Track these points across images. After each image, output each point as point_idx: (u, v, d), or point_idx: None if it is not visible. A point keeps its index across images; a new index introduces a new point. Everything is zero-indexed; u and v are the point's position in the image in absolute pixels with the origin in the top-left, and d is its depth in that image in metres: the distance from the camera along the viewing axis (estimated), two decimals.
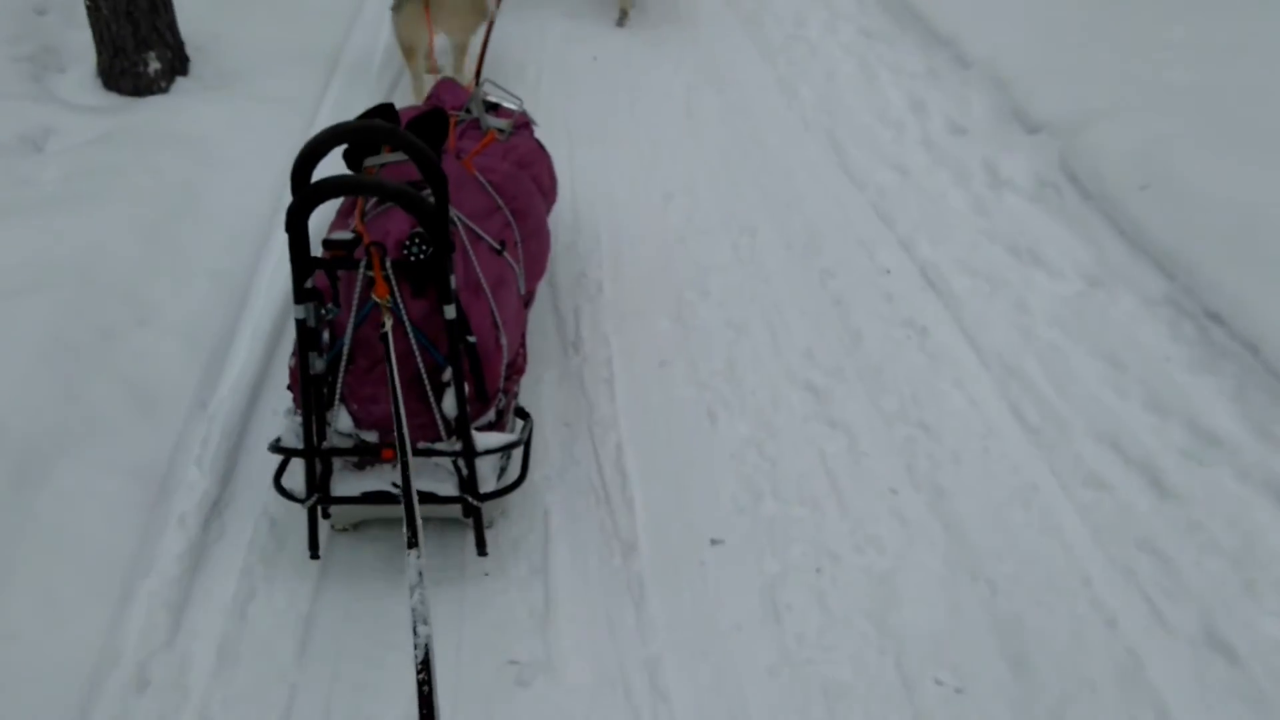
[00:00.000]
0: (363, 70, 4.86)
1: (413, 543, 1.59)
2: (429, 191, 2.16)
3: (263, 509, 2.57)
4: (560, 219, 3.82)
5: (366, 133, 2.36)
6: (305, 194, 2.03)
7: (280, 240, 3.45)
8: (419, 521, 1.63)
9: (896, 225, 3.75)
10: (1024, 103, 4.26)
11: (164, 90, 4.29)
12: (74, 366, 2.70)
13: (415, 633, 1.47)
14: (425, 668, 1.43)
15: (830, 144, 4.42)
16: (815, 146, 4.42)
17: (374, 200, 2.41)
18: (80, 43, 4.44)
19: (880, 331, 3.17)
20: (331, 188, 2.04)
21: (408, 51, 4.48)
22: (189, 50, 4.49)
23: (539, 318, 3.22)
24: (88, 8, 4.18)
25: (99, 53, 4.28)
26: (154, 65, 4.23)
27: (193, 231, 3.32)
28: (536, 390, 2.96)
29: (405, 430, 1.81)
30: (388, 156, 2.41)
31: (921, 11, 5.32)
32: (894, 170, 4.17)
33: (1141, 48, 4.43)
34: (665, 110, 4.76)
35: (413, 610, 1.50)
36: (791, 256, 3.60)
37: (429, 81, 4.45)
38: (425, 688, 1.41)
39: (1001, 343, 3.05)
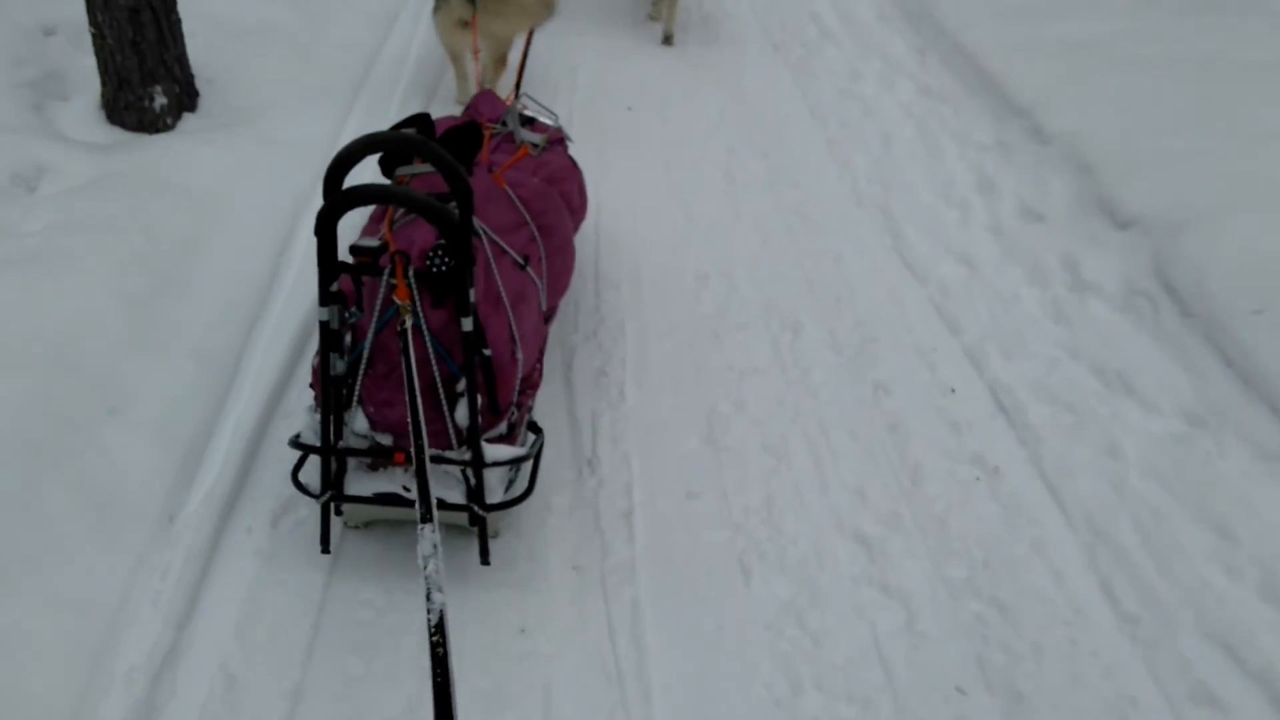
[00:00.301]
0: (383, 108, 4.50)
1: (426, 518, 1.64)
2: (454, 205, 2.21)
3: (221, 664, 2.19)
4: (582, 301, 3.45)
5: (398, 143, 2.43)
6: (335, 201, 2.08)
7: (275, 315, 3.14)
8: (433, 500, 1.67)
9: (962, 331, 3.33)
10: (1112, 191, 3.82)
11: (169, 127, 3.96)
12: (33, 467, 2.37)
13: (429, 599, 1.50)
14: (440, 630, 1.44)
15: (886, 224, 4.01)
16: (869, 226, 4.01)
17: (403, 209, 2.44)
18: (87, 69, 4.12)
19: (944, 468, 2.75)
20: (360, 196, 2.10)
21: (452, 55, 4.54)
22: (199, 84, 4.17)
23: (553, 425, 2.84)
24: (92, 36, 3.86)
25: (103, 84, 3.96)
26: (160, 100, 3.91)
27: (181, 301, 2.97)
28: (544, 520, 2.57)
29: (421, 418, 1.86)
30: (419, 167, 2.50)
31: (992, 73, 4.90)
32: (959, 261, 3.75)
33: (1255, 136, 3.94)
34: (703, 174, 4.36)
35: (426, 578, 1.54)
36: (840, 363, 3.19)
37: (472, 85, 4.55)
38: (440, 649, 1.42)
39: (1089, 495, 2.62)
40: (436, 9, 4.40)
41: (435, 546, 1.59)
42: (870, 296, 3.53)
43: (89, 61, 4.04)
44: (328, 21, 5.09)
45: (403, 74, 4.87)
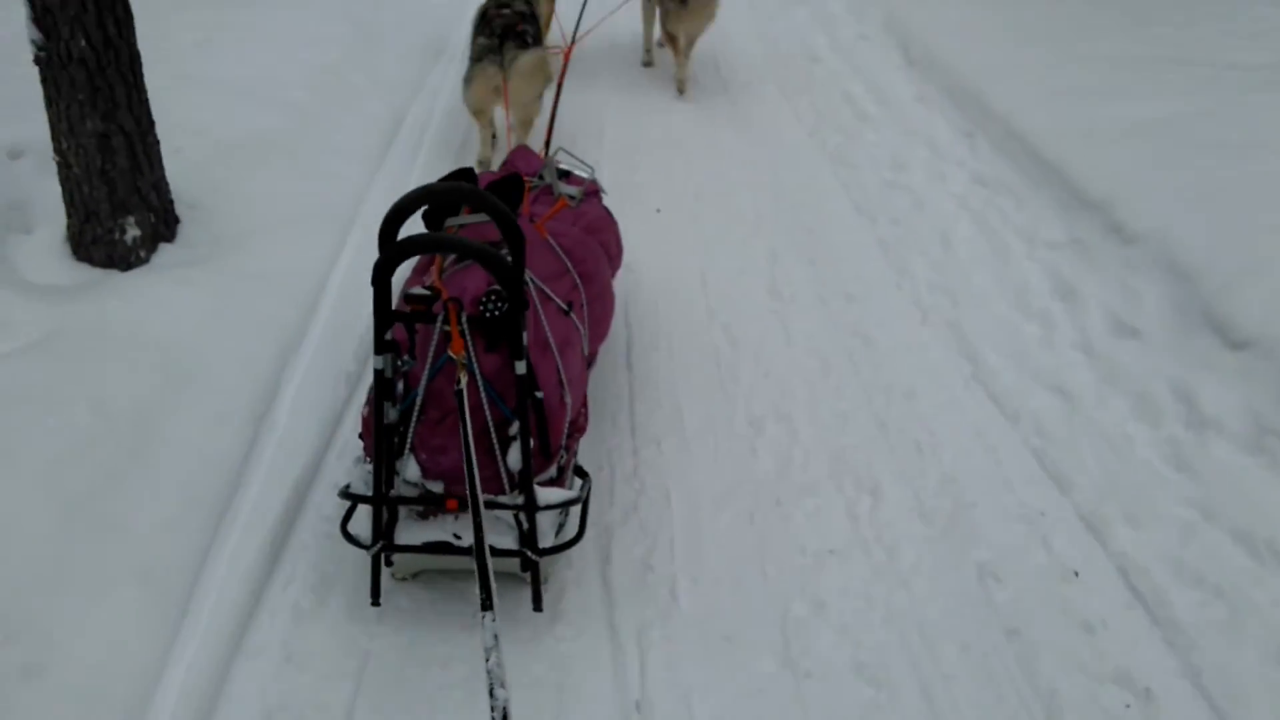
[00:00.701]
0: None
1: (487, 604, 1.63)
2: (505, 251, 2.30)
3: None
4: (618, 462, 2.94)
5: (451, 193, 2.48)
6: (391, 251, 2.13)
7: (247, 509, 2.63)
8: (493, 584, 1.66)
9: (1073, 487, 2.80)
10: (1218, 302, 3.30)
11: (143, 261, 3.50)
12: None
13: (493, 695, 1.49)
14: None
15: (959, 345, 3.51)
16: (940, 348, 3.51)
17: (452, 257, 2.52)
18: (55, 195, 3.69)
19: (1085, 693, 2.20)
20: (417, 245, 2.19)
21: (477, 114, 4.66)
22: (180, 209, 3.73)
23: (590, 641, 2.31)
24: (57, 164, 3.44)
25: (69, 216, 3.52)
26: (132, 233, 3.46)
27: (131, 500, 2.46)
28: None
29: (479, 491, 1.89)
30: (466, 218, 2.59)
31: (1055, 161, 4.42)
32: (1052, 392, 3.24)
33: None
34: (745, 287, 3.88)
35: (489, 673, 1.53)
36: (933, 537, 2.66)
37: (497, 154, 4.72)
38: None
39: None
40: (470, 79, 4.55)
41: (496, 638, 1.57)
42: (956, 442, 3.01)
43: (56, 188, 3.62)
44: (329, 129, 4.69)
45: (411, 183, 4.44)
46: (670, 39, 5.92)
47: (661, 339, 3.50)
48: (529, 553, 2.26)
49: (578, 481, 2.52)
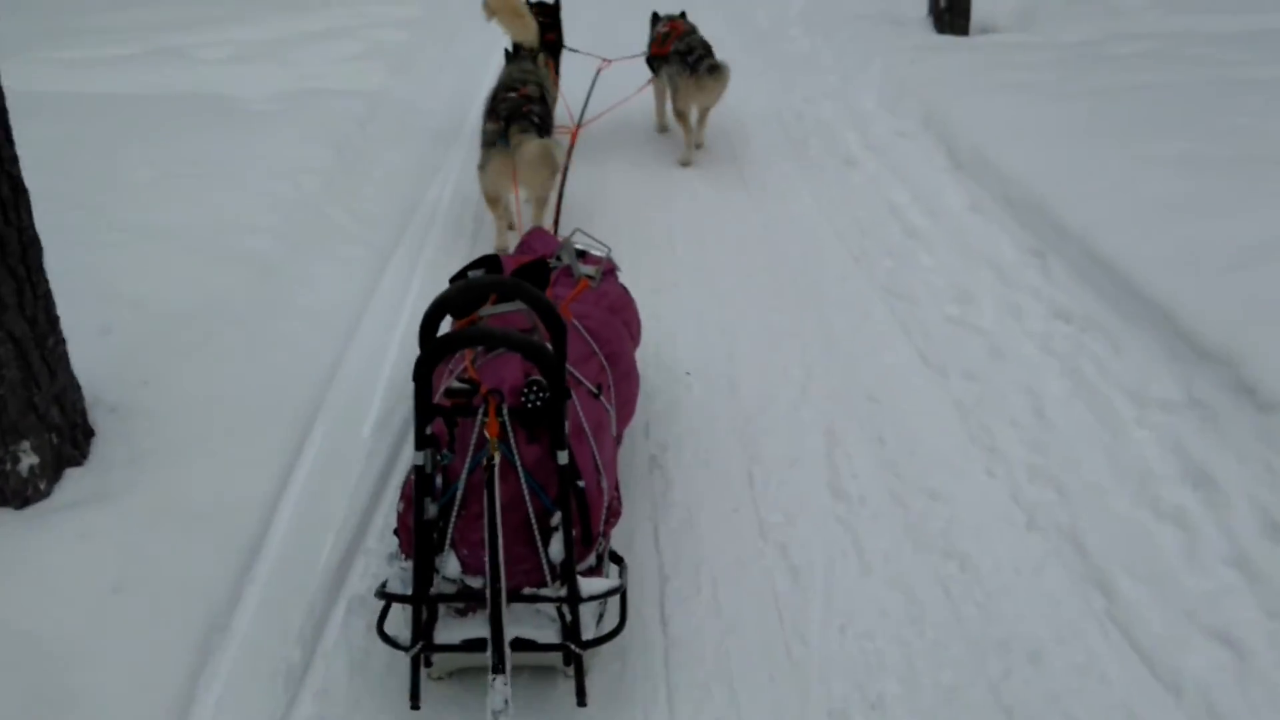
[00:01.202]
0: (354, 427, 3.35)
1: (499, 667, 1.77)
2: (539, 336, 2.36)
3: None
4: None
5: (495, 287, 2.44)
6: (433, 348, 2.15)
7: None
8: (507, 648, 1.84)
9: None
10: None
11: (42, 494, 2.78)
12: None
13: None
14: None
15: (1082, 565, 2.73)
16: (1058, 572, 2.72)
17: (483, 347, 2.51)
18: None
19: None
20: (459, 341, 2.25)
21: (491, 202, 4.62)
22: (98, 413, 3.03)
23: None
24: None
25: None
26: (28, 461, 2.75)
27: None
28: None
29: (500, 555, 2.05)
30: (496, 307, 2.54)
31: (1151, 294, 3.67)
32: (1213, 640, 2.45)
33: None
34: (802, 486, 3.09)
35: None
36: None
37: (510, 236, 4.70)
38: None
39: None
40: (483, 166, 4.53)
41: (506, 702, 1.72)
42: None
43: None
44: (296, 286, 4.02)
45: (388, 355, 3.75)
46: (681, 115, 5.85)
47: (703, 576, 2.72)
48: (573, 646, 2.18)
49: (613, 568, 2.47)
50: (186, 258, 4.01)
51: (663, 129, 6.39)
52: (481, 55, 7.82)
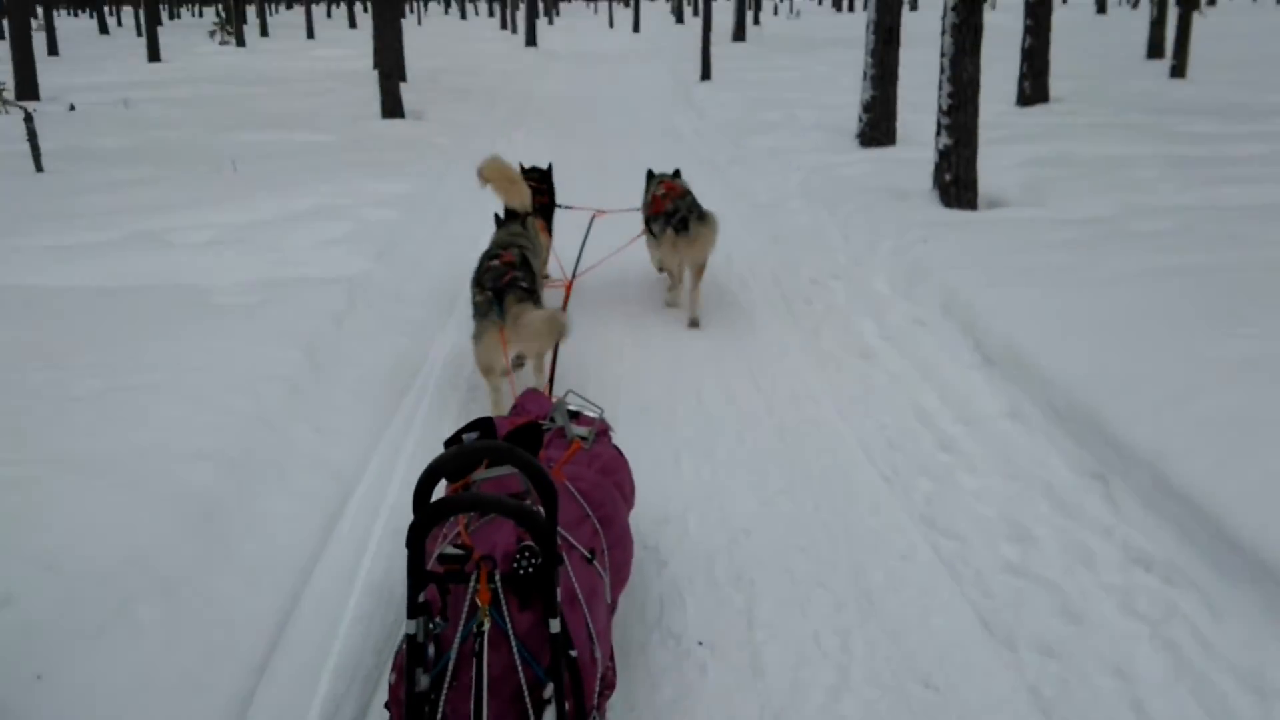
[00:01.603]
0: None
1: None
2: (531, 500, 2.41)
3: None
4: None
5: (488, 452, 2.47)
6: (427, 512, 2.17)
7: None
8: None
9: None
10: None
11: None
12: None
13: None
14: None
15: None
16: None
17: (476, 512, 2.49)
18: None
19: None
20: (452, 506, 2.28)
21: (486, 370, 4.59)
22: None
23: None
24: None
25: None
26: None
27: None
28: None
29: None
30: (488, 471, 2.58)
31: (1244, 540, 3.09)
32: None
33: None
34: None
35: None
36: None
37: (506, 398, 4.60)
38: None
39: None
40: (479, 336, 4.53)
41: None
42: None
43: None
44: (240, 533, 3.44)
45: (341, 622, 3.13)
46: (671, 274, 5.99)
47: None
48: None
49: None
50: (115, 498, 3.44)
51: (671, 303, 6.26)
52: (473, 233, 7.55)
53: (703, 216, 5.67)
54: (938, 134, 7.54)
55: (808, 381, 5.07)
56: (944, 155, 7.51)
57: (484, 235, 5.97)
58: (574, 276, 5.68)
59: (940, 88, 7.42)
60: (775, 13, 52.41)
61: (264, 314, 5.37)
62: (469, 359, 5.46)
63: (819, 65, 20.76)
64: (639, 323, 6.00)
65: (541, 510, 2.23)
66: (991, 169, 7.84)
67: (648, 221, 6.15)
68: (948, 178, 7.52)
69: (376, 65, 14.63)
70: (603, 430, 3.32)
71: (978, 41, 7.20)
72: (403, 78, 19.26)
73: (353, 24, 42.26)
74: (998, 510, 3.73)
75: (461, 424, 4.12)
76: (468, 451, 2.39)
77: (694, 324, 5.82)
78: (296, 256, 6.73)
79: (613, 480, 3.07)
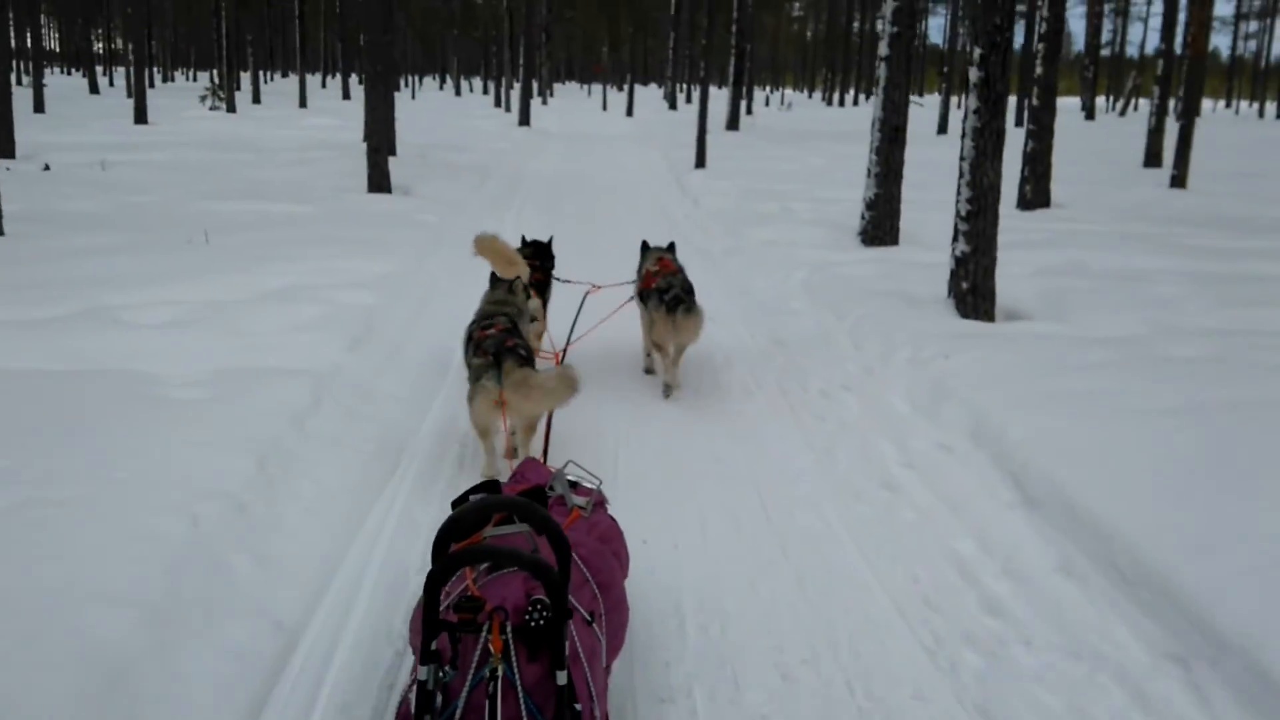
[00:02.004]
0: None
1: None
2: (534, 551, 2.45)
3: None
4: None
5: (508, 507, 2.57)
6: (445, 563, 2.29)
7: None
8: None
9: None
10: None
11: None
12: None
13: None
14: None
15: None
16: None
17: (485, 564, 2.55)
18: None
19: None
20: (471, 557, 2.33)
21: (481, 432, 4.62)
22: None
23: None
24: None
25: None
26: None
27: None
28: None
29: None
30: (498, 528, 2.65)
31: None
32: None
33: None
34: None
35: None
36: None
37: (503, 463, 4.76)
38: None
39: None
40: (473, 396, 4.58)
41: None
42: None
43: None
44: (149, 703, 2.79)
45: None
46: (659, 348, 6.04)
47: None
48: None
49: None
50: (3, 656, 2.80)
51: (649, 370, 6.43)
52: (457, 318, 6.96)
53: (690, 309, 5.76)
54: (954, 239, 7.15)
55: (826, 515, 4.50)
56: (961, 262, 7.10)
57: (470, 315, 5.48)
58: (568, 344, 5.87)
59: (959, 192, 7.05)
60: (766, 103, 53.35)
61: (215, 412, 4.77)
62: (446, 469, 4.88)
63: (813, 158, 20.74)
64: (631, 430, 5.45)
65: (555, 565, 2.32)
66: (1004, 276, 7.44)
67: (641, 295, 6.20)
68: (964, 285, 7.10)
69: (366, 138, 14.28)
70: (600, 501, 3.39)
71: (999, 146, 6.86)
72: (392, 152, 19.00)
73: (346, 95, 42.43)
74: (1065, 700, 3.13)
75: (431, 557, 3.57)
76: (489, 505, 2.49)
77: (669, 392, 5.97)
78: (261, 342, 6.15)
79: (610, 549, 3.10)
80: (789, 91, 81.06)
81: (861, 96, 60.49)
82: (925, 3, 52.27)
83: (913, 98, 10.21)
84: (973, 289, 7.07)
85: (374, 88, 14.09)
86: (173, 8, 67.53)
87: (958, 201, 7.07)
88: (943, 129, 29.85)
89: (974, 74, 6.78)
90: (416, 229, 11.26)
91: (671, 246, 6.54)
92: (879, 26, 10.12)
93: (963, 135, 6.99)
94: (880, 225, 10.55)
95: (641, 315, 6.27)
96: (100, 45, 53.62)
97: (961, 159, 7.00)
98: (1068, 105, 46.27)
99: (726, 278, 9.65)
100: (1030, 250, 9.43)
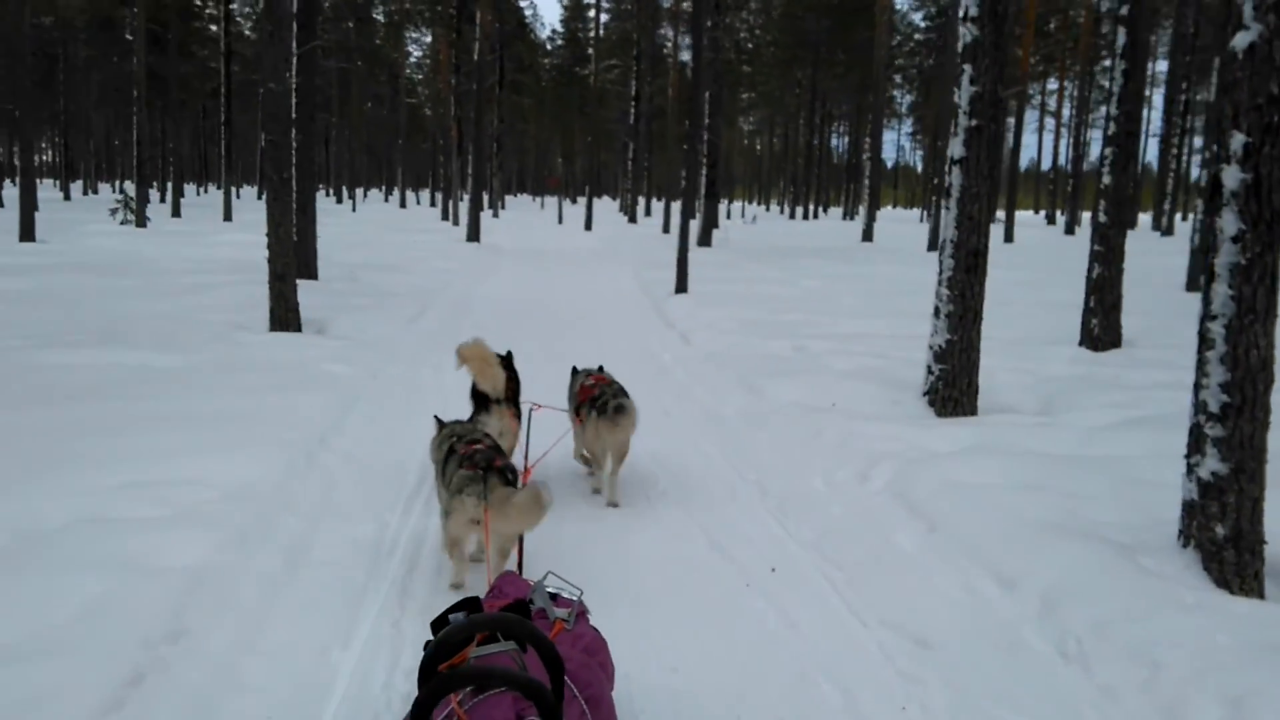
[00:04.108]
0: None
1: None
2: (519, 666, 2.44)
3: None
4: None
5: (498, 625, 2.48)
6: (434, 686, 2.19)
7: None
8: None
9: None
10: None
11: None
12: None
13: None
14: None
15: None
16: None
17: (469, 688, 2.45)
18: None
19: None
20: (462, 679, 2.24)
21: (453, 544, 4.48)
22: None
23: None
24: None
25: None
26: None
27: None
28: None
29: None
30: (479, 649, 2.50)
31: None
32: None
33: None
34: None
35: None
36: None
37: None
38: None
39: None
40: (452, 510, 4.38)
41: None
42: None
43: None
44: None
45: None
46: (596, 459, 5.97)
47: None
48: None
49: None
50: None
51: (586, 462, 6.30)
52: (366, 590, 3.87)
53: (621, 407, 5.80)
54: (1193, 452, 4.25)
55: None
56: (1209, 491, 4.16)
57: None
58: (528, 466, 5.63)
59: (1204, 372, 4.17)
60: (728, 216, 51.80)
61: None
62: None
63: (807, 279, 18.13)
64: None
65: (547, 683, 2.30)
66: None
67: (576, 410, 6.27)
68: (1220, 533, 4.14)
69: (270, 262, 11.25)
70: (581, 612, 3.21)
71: (1275, 297, 4.03)
72: (312, 274, 15.99)
73: None
74: None
75: None
76: (476, 624, 2.40)
77: (613, 505, 5.77)
78: None
79: (597, 660, 3.00)
80: (750, 205, 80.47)
81: (822, 210, 59.55)
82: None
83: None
84: (1234, 539, 4.12)
85: (276, 199, 11.12)
86: (107, 114, 64.88)
87: (1200, 392, 4.18)
88: (933, 246, 27.88)
89: (1231, 177, 3.99)
90: (319, 389, 8.13)
91: (600, 369, 6.54)
92: (956, 121, 7.46)
93: (1209, 278, 4.16)
94: (955, 383, 7.70)
95: (575, 434, 6.34)
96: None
97: (1209, 318, 4.15)
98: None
99: (750, 462, 6.65)
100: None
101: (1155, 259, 22.16)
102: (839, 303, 14.80)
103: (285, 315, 11.29)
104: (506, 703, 2.30)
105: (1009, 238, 34.34)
